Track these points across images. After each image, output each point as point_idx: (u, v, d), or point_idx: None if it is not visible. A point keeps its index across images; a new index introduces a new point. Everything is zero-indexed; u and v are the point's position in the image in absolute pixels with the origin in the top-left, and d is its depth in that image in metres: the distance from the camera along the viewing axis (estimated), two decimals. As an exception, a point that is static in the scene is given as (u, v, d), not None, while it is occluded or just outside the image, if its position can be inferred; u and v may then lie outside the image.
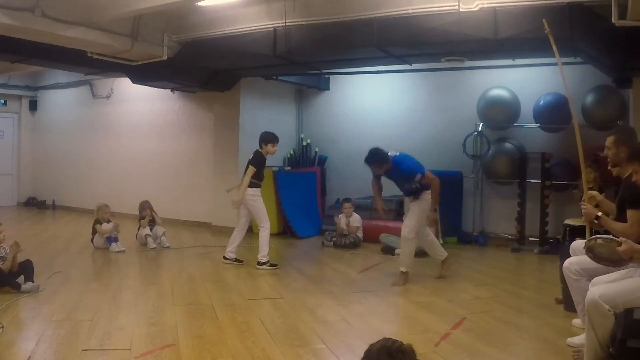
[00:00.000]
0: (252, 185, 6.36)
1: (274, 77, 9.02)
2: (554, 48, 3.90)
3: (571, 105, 4.22)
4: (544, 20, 4.05)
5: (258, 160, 6.44)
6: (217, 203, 9.29)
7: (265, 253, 6.36)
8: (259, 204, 6.46)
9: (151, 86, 9.58)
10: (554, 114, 7.72)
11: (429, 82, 9.02)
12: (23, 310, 4.48)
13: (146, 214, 7.70)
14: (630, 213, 3.16)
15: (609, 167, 3.73)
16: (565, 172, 7.78)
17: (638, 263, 3.13)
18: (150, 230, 7.63)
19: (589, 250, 3.16)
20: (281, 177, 8.87)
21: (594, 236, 3.19)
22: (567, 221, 5.22)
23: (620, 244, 2.95)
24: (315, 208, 9.43)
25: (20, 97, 12.82)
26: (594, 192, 3.74)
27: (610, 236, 3.12)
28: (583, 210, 3.44)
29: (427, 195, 5.80)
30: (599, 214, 3.33)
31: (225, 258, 6.58)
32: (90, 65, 8.06)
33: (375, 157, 5.99)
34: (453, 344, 3.79)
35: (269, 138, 6.48)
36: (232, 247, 6.59)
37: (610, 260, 3.11)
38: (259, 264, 6.35)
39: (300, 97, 10.44)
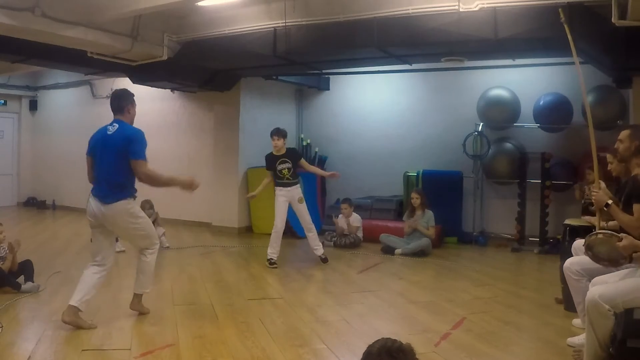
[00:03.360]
0: (275, 184, 6.64)
1: (274, 77, 9.03)
2: (569, 37, 3.88)
3: (584, 95, 4.22)
4: (560, 9, 4.03)
5: (266, 160, 6.71)
6: (217, 203, 9.29)
7: (270, 252, 6.50)
8: (276, 203, 6.61)
9: (151, 86, 9.57)
10: (554, 114, 7.74)
11: (429, 82, 9.02)
12: (23, 310, 4.48)
13: (150, 213, 7.67)
14: (637, 207, 3.15)
15: (617, 162, 3.72)
16: (565, 172, 7.80)
17: (638, 263, 3.14)
18: (150, 230, 7.61)
19: (588, 248, 3.15)
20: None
21: (595, 232, 3.17)
22: (567, 221, 5.22)
23: (620, 239, 2.95)
24: (315, 208, 9.42)
25: (20, 97, 12.82)
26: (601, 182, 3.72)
27: (611, 232, 3.11)
28: (594, 197, 3.43)
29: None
30: (610, 201, 3.32)
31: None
32: (90, 65, 8.06)
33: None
34: (453, 344, 3.79)
35: (270, 133, 6.69)
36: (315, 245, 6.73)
37: (608, 260, 3.10)
38: (268, 261, 6.51)
39: (300, 97, 10.44)
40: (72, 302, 3.98)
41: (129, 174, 4.09)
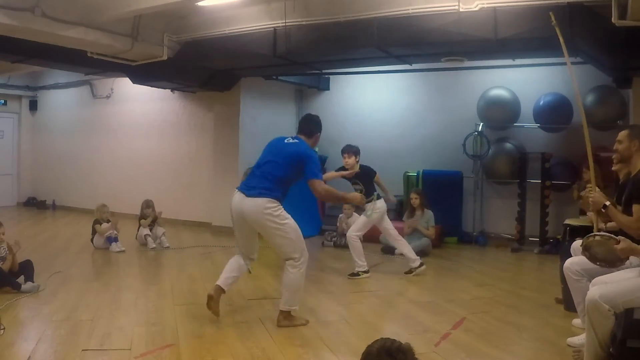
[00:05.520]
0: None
1: (274, 77, 9.03)
2: (561, 40, 3.90)
3: (577, 97, 4.23)
4: (550, 13, 4.06)
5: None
6: (217, 203, 9.29)
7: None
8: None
9: (151, 86, 9.58)
10: (554, 114, 7.74)
11: (429, 82, 9.02)
12: (23, 310, 4.48)
13: (149, 213, 7.69)
14: (636, 208, 3.15)
15: (615, 164, 3.72)
16: (566, 172, 7.79)
17: (638, 262, 3.13)
18: (150, 230, 7.63)
19: (586, 249, 3.15)
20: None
21: (592, 233, 3.17)
22: (567, 221, 5.22)
23: (618, 242, 2.95)
24: (315, 208, 9.42)
25: (20, 97, 12.83)
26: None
27: (609, 234, 3.12)
28: (591, 199, 3.41)
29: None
30: (607, 203, 3.31)
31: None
32: (90, 65, 8.06)
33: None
34: (453, 344, 3.78)
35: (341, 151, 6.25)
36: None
37: (605, 261, 3.10)
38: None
39: (300, 97, 10.44)
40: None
41: (281, 184, 4.13)
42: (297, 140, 4.30)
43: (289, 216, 4.14)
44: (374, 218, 5.95)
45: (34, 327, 4.07)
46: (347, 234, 6.17)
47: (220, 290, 4.24)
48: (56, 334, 3.86)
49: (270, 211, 4.01)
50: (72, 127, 12.15)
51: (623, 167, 3.70)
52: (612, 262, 3.08)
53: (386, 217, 6.18)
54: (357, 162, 6.04)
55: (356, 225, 6.13)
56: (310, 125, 4.43)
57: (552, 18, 4.00)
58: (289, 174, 4.16)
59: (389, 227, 6.19)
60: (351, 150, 6.05)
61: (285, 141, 4.30)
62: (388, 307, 4.89)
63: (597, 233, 3.15)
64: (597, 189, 3.48)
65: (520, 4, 5.53)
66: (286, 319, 4.18)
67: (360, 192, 5.88)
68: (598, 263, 3.14)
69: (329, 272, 6.37)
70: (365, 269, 6.01)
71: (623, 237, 2.99)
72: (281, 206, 4.10)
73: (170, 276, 5.96)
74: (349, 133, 9.70)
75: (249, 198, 4.06)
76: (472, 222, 8.49)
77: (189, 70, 8.17)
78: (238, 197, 4.16)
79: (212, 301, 4.18)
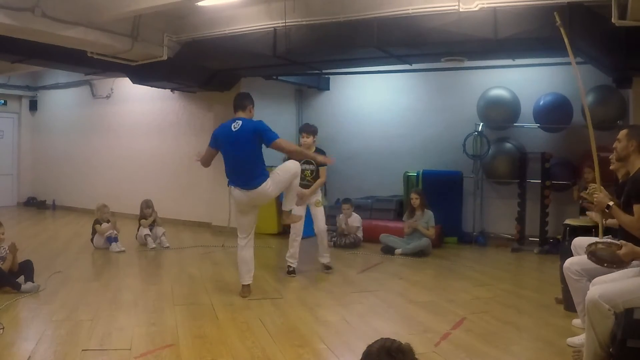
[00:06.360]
0: None
1: (274, 77, 9.03)
2: (566, 41, 3.91)
3: (583, 96, 4.29)
4: (555, 13, 4.06)
5: None
6: (217, 203, 9.29)
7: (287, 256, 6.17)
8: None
9: (151, 86, 9.58)
10: (554, 114, 7.73)
11: (429, 82, 9.02)
12: (23, 310, 4.48)
13: (148, 213, 7.69)
14: (636, 207, 3.16)
15: (614, 162, 3.72)
16: (566, 172, 7.79)
17: (638, 262, 3.14)
18: (150, 230, 7.63)
19: (592, 255, 3.16)
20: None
21: (594, 241, 3.19)
22: (567, 221, 5.22)
23: (620, 247, 2.96)
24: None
25: (20, 97, 12.83)
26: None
27: (610, 240, 3.13)
28: (595, 199, 3.43)
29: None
30: (611, 203, 3.33)
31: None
32: (90, 65, 8.06)
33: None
34: (453, 344, 3.79)
35: (299, 129, 6.42)
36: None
37: (613, 262, 3.11)
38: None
39: (300, 97, 10.44)
40: (246, 283, 5.05)
41: (261, 160, 4.86)
42: (240, 121, 4.86)
43: (271, 172, 4.91)
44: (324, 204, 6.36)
45: (34, 327, 4.07)
46: (320, 228, 6.13)
47: (249, 288, 5.08)
48: (56, 334, 3.86)
49: (269, 187, 4.84)
50: (72, 127, 12.14)
51: (621, 167, 3.71)
52: (619, 262, 3.08)
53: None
54: (314, 142, 6.16)
55: (323, 219, 6.19)
56: (243, 101, 4.98)
57: (557, 18, 4.00)
58: (257, 150, 4.84)
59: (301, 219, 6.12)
60: (309, 130, 6.19)
61: (233, 129, 4.85)
62: (388, 307, 4.89)
63: (599, 241, 3.17)
64: (602, 188, 3.49)
65: (520, 4, 5.53)
66: (287, 217, 5.21)
67: (311, 173, 6.14)
68: (606, 265, 3.15)
69: (329, 272, 6.36)
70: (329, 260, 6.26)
71: (624, 242, 2.99)
72: (268, 176, 4.85)
73: (170, 276, 5.96)
74: (348, 133, 9.73)
75: (251, 190, 4.83)
76: (472, 222, 8.48)
77: (189, 70, 8.17)
78: (239, 192, 4.89)
79: (248, 291, 5.07)
